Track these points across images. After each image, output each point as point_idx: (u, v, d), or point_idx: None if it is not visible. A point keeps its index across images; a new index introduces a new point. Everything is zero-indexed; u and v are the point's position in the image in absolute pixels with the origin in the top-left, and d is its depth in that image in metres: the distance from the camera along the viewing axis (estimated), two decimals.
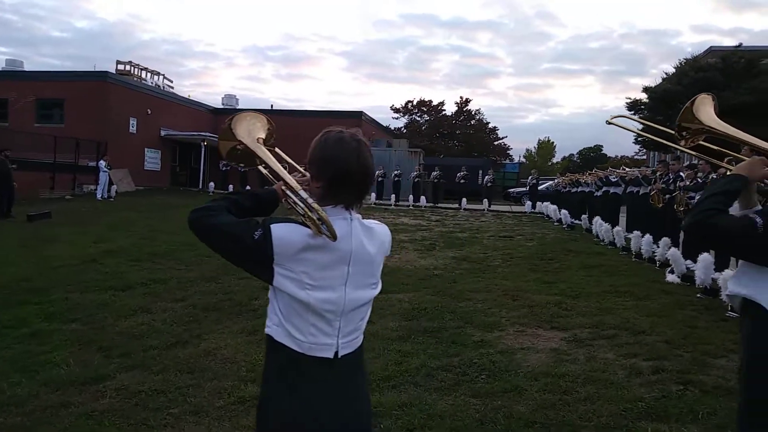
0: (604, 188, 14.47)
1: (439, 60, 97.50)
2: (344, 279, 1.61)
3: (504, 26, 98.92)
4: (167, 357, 4.83)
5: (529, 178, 25.79)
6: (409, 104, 63.12)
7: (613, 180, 13.68)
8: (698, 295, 6.43)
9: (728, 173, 1.92)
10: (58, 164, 21.07)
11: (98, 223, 13.93)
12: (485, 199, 23.05)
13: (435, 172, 25.79)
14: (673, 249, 7.35)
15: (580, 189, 17.55)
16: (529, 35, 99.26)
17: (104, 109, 23.85)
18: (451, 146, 58.32)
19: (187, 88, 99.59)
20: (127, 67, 29.30)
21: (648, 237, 8.91)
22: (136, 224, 14.02)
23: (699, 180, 8.05)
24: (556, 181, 24.82)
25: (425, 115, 62.71)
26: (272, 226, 1.56)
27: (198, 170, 28.22)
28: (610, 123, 2.35)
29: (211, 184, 26.30)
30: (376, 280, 1.71)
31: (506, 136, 63.88)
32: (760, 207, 1.85)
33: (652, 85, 34.40)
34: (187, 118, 29.70)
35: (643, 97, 34.87)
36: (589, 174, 17.07)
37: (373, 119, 35.57)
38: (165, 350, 5.01)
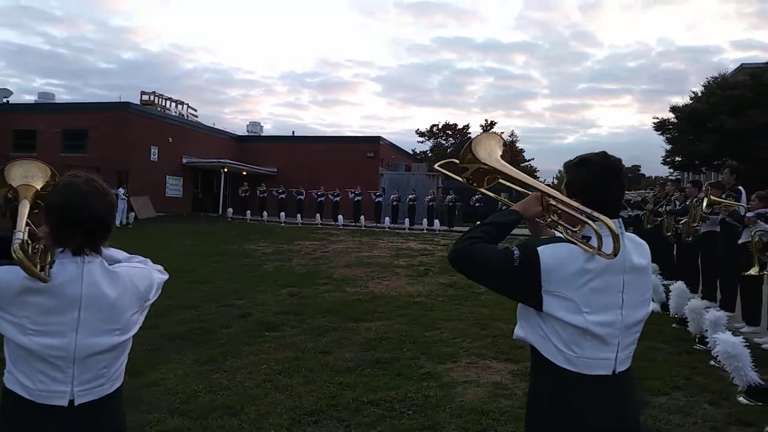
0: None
1: (474, 83, 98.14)
2: (75, 325, 1.58)
3: (539, 47, 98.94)
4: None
5: None
6: (434, 128, 63.47)
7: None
8: (673, 325, 6.18)
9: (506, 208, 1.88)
10: None
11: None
12: None
13: (450, 196, 25.65)
14: (653, 277, 7.09)
15: None
16: (565, 56, 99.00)
17: (126, 138, 24.64)
18: None
19: (228, 115, 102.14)
20: (151, 98, 30.29)
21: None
22: (142, 251, 14.26)
23: (686, 204, 7.79)
24: None
25: (450, 139, 62.87)
26: (539, 248, 1.61)
27: (219, 196, 28.76)
28: (437, 168, 2.30)
29: (230, 209, 26.73)
30: (119, 326, 1.68)
31: (533, 158, 63.12)
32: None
33: (682, 104, 33.67)
34: (210, 146, 30.41)
35: (671, 116, 34.13)
36: None
37: (392, 143, 35.75)
38: None
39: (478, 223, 1.87)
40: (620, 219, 1.67)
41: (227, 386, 4.79)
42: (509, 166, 1.90)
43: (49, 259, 1.57)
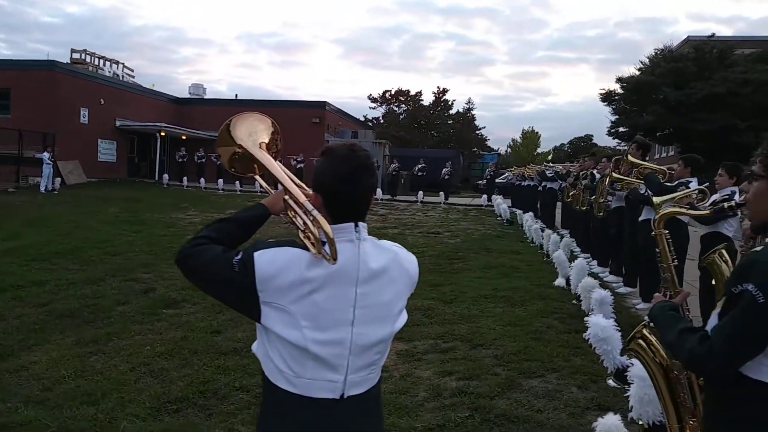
0: (543, 183, 14.27)
1: (434, 48, 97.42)
2: (351, 315, 1.42)
3: (500, 13, 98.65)
4: None
5: (487, 170, 25.57)
6: (387, 93, 62.65)
7: (549, 175, 13.46)
8: (573, 302, 6.22)
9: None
10: (1, 156, 20.53)
11: (21, 218, 13.52)
12: (441, 193, 22.79)
13: (393, 164, 25.48)
14: (558, 252, 7.14)
15: (526, 183, 17.35)
16: (525, 22, 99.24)
17: (52, 99, 23.25)
18: (429, 137, 57.78)
19: (181, 75, 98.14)
20: (83, 56, 28.64)
21: (554, 236, 8.70)
22: (59, 219, 13.60)
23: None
24: (509, 174, 24.64)
25: (403, 105, 62.29)
26: (256, 253, 1.40)
27: (156, 161, 27.72)
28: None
29: (165, 176, 25.83)
30: (396, 311, 1.53)
31: (484, 127, 63.38)
32: None
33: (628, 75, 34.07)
34: (147, 109, 29.12)
35: (618, 87, 34.58)
36: (527, 168, 16.86)
37: (339, 109, 35.14)
38: None
39: (219, 218, 1.65)
40: (362, 223, 1.47)
41: (100, 370, 4.53)
42: (266, 155, 1.67)
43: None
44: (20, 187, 20.76)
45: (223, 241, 1.52)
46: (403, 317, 1.57)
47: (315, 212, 1.40)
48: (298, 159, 25.67)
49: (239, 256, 1.41)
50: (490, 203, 20.93)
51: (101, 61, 29.78)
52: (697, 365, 1.50)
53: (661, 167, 6.08)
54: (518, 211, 14.33)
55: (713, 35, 34.12)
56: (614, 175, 6.17)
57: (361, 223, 1.47)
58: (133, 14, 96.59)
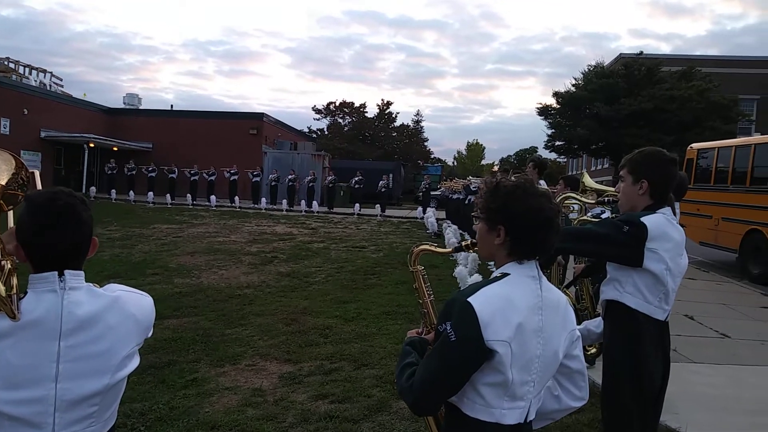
0: (469, 196, 14.48)
1: (385, 59, 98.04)
2: (53, 371, 1.34)
3: (449, 26, 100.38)
4: None
5: (422, 183, 25.80)
6: (332, 105, 62.58)
7: (473, 189, 13.67)
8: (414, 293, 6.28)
9: None
10: None
11: None
12: (377, 205, 22.83)
13: (330, 177, 25.37)
14: (459, 268, 7.23)
15: (455, 196, 17.58)
16: (474, 36, 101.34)
17: None
18: (373, 149, 57.92)
19: (125, 83, 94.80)
20: (6, 63, 27.31)
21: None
22: None
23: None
24: (442, 187, 24.97)
25: (347, 117, 62.32)
26: None
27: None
28: None
29: (93, 188, 24.87)
30: (116, 361, 1.43)
31: (428, 139, 64.13)
32: None
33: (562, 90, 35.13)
34: (75, 119, 27.95)
35: (554, 102, 35.59)
36: (452, 181, 17.10)
37: (279, 120, 34.76)
38: None
39: None
40: (72, 272, 1.41)
41: None
42: None
43: (15, 286, 1.35)
44: None
45: None
46: (133, 363, 1.49)
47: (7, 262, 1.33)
48: (232, 171, 25.18)
49: None
50: (424, 215, 21.11)
51: (26, 69, 28.47)
52: (403, 398, 1.58)
53: (546, 188, 6.23)
54: (445, 224, 14.49)
55: (641, 53, 35.67)
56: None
57: (69, 272, 1.40)
58: (73, 19, 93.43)
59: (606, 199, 2.99)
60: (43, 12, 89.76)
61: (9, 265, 1.40)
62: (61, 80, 31.57)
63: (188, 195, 24.07)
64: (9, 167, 1.66)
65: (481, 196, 1.64)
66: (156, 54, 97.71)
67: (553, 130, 36.35)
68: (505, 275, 1.54)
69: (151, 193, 23.62)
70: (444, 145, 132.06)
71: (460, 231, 14.10)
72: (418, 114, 65.42)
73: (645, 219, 2.27)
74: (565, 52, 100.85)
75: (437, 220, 17.30)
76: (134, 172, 25.77)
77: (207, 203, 23.31)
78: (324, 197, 25.34)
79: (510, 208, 1.54)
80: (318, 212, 22.90)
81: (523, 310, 1.49)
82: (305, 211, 22.94)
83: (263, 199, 23.82)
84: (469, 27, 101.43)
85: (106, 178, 25.98)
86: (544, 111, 36.33)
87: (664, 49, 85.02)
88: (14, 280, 1.38)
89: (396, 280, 8.76)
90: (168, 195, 23.87)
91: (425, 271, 1.96)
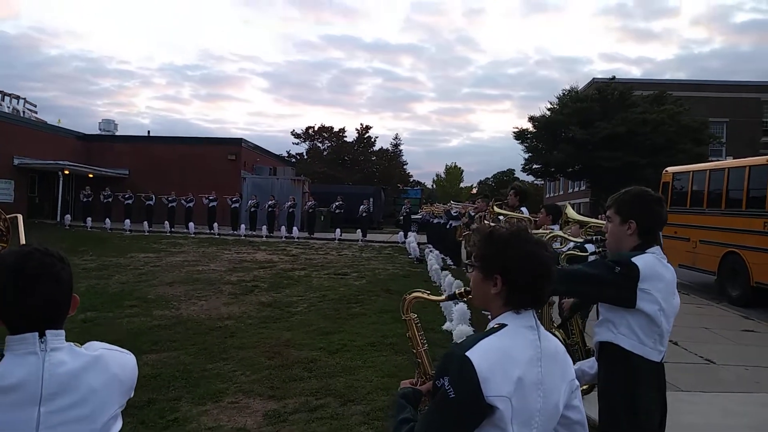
0: (450, 221, 14.53)
1: (362, 83, 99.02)
2: None
3: (425, 50, 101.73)
4: None
5: (403, 207, 25.84)
6: (310, 130, 62.70)
7: (454, 214, 13.74)
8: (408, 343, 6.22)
9: None
10: None
11: None
12: (359, 230, 22.77)
13: (310, 202, 25.27)
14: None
15: (436, 221, 17.64)
16: (450, 60, 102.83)
17: None
18: (353, 173, 57.98)
19: (100, 108, 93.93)
20: None
21: (449, 278, 8.78)
22: None
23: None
24: (423, 211, 25.05)
25: (326, 141, 62.46)
26: None
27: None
28: None
29: (68, 216, 24.41)
30: (100, 425, 1.35)
31: (407, 163, 64.53)
32: None
33: (537, 114, 35.71)
34: (50, 146, 27.53)
35: (530, 126, 36.12)
36: (432, 206, 17.16)
37: (257, 146, 34.66)
38: None
39: None
40: (54, 331, 1.35)
41: None
42: None
43: None
44: None
45: None
46: (116, 426, 1.42)
47: None
48: (210, 197, 24.94)
49: None
50: (405, 240, 21.08)
51: None
52: None
53: (528, 216, 6.27)
54: (427, 249, 14.49)
55: (614, 78, 36.51)
56: (485, 222, 6.29)
57: (50, 332, 1.33)
58: (47, 43, 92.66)
59: (595, 237, 2.98)
60: (15, 36, 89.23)
61: None
62: (35, 106, 31.13)
63: (166, 222, 23.75)
64: None
65: (474, 243, 1.61)
66: (132, 78, 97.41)
67: (530, 154, 36.83)
68: (502, 326, 1.50)
69: (127, 221, 23.25)
70: (423, 168, 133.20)
71: (442, 256, 14.11)
72: (396, 137, 65.71)
73: (636, 259, 2.26)
74: (539, 75, 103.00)
75: (419, 244, 17.29)
76: (110, 200, 25.32)
77: (185, 230, 22.97)
78: (304, 222, 25.21)
79: (506, 256, 1.51)
80: (298, 238, 22.74)
81: (522, 363, 1.45)
82: (285, 236, 22.77)
83: (242, 226, 23.60)
84: (445, 51, 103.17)
85: (82, 206, 25.53)
86: (520, 135, 36.81)
87: (635, 72, 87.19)
88: None
89: (380, 309, 8.67)
90: (145, 222, 23.53)
91: (418, 318, 1.91)
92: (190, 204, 24.76)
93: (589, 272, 2.40)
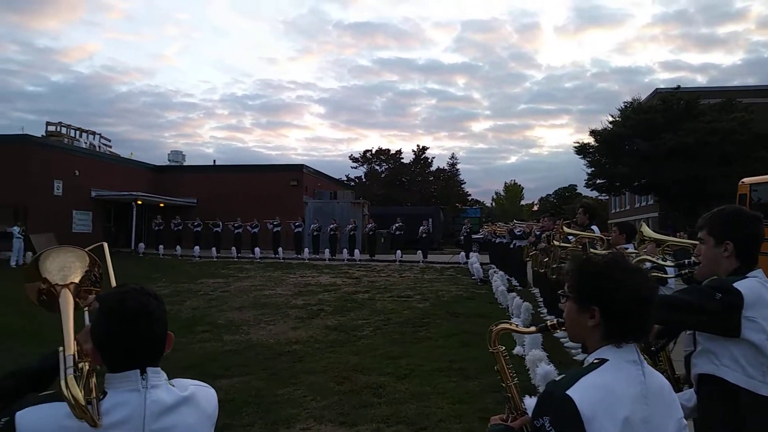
0: (514, 241, 14.26)
1: (417, 104, 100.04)
2: None
3: (479, 69, 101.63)
4: None
5: (463, 227, 25.58)
6: (368, 153, 63.52)
7: (518, 233, 13.48)
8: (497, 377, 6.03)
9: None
10: None
11: None
12: (419, 251, 22.70)
13: (370, 225, 25.44)
14: (513, 319, 7.00)
15: (498, 240, 17.35)
16: (505, 77, 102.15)
17: (24, 172, 23.21)
18: (411, 194, 58.09)
19: (168, 139, 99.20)
20: (58, 128, 28.84)
21: (517, 300, 8.57)
22: (23, 297, 13.24)
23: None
24: (484, 231, 24.69)
25: (384, 164, 63.02)
26: (18, 414, 1.28)
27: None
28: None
29: (141, 244, 25.56)
30: None
31: (465, 182, 64.04)
32: None
33: (599, 128, 34.80)
34: (123, 178, 29.14)
35: (592, 140, 35.23)
36: (494, 225, 16.88)
37: (318, 171, 35.40)
38: None
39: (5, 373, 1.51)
40: (153, 369, 1.38)
41: None
42: (69, 297, 1.56)
43: (93, 387, 1.35)
44: None
45: (6, 397, 1.39)
46: None
47: (69, 370, 1.30)
48: (274, 223, 25.57)
49: (6, 418, 1.28)
50: (467, 260, 20.83)
51: (77, 132, 29.97)
52: None
53: (600, 235, 6.04)
54: (491, 270, 14.24)
55: (679, 87, 35.16)
56: (555, 243, 6.11)
57: (150, 369, 1.36)
58: (117, 81, 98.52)
59: (687, 261, 2.81)
60: (89, 75, 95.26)
61: (87, 366, 1.37)
62: (110, 141, 33.10)
63: (233, 248, 24.51)
64: (83, 264, 1.67)
65: (568, 273, 1.53)
66: (196, 110, 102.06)
67: (593, 169, 35.83)
68: (603, 361, 1.42)
69: (197, 248, 24.16)
70: (481, 187, 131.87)
71: (507, 277, 13.83)
72: (453, 157, 65.42)
73: (738, 285, 2.09)
74: (597, 88, 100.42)
75: (481, 264, 17.04)
76: (180, 227, 26.44)
77: (251, 255, 23.63)
78: (365, 245, 25.38)
79: (603, 287, 1.43)
80: (360, 260, 22.90)
81: (627, 401, 1.36)
82: (347, 259, 22.99)
83: (306, 249, 24.03)
84: (498, 68, 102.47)
85: (154, 234, 26.72)
86: (582, 149, 35.93)
87: (700, 80, 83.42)
88: (93, 382, 1.36)
89: (446, 333, 8.56)
90: (213, 249, 24.38)
91: (506, 350, 1.84)
92: (255, 230, 25.46)
93: (687, 299, 2.23)
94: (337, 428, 4.94)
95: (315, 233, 25.56)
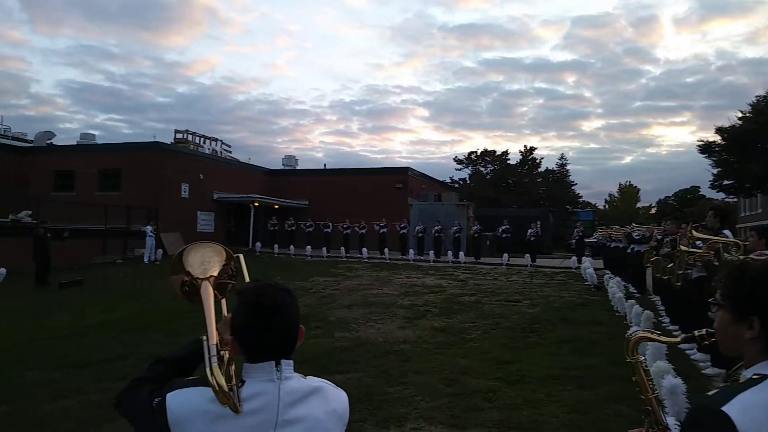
0: (632, 245, 13.46)
1: (523, 104, 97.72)
2: None
3: (590, 66, 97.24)
4: None
5: (575, 230, 24.49)
6: (473, 155, 62.91)
7: (636, 237, 12.70)
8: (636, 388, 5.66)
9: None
10: (110, 230, 22.50)
11: (120, 289, 14.58)
12: (527, 255, 22.08)
13: (475, 227, 25.11)
14: (634, 328, 6.58)
15: (614, 245, 16.44)
16: (618, 73, 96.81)
17: (157, 176, 25.42)
18: (518, 196, 56.72)
19: (280, 145, 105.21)
20: (185, 136, 31.27)
21: (637, 308, 8.07)
22: (155, 290, 14.50)
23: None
24: (598, 234, 23.45)
25: (489, 165, 62.08)
26: (169, 395, 1.40)
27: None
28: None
29: (258, 243, 27.04)
30: None
31: (576, 183, 61.44)
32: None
33: (726, 124, 32.16)
34: (242, 181, 31.05)
35: (718, 138, 32.64)
36: (609, 228, 15.96)
37: (422, 173, 35.58)
38: None
39: (156, 358, 1.63)
40: (286, 361, 1.44)
41: None
42: (209, 289, 1.65)
43: (233, 375, 1.42)
44: (127, 258, 22.51)
45: (157, 380, 1.50)
46: None
47: (214, 358, 1.39)
48: (381, 224, 26.08)
49: (158, 398, 1.40)
50: (579, 265, 19.93)
51: (201, 139, 32.34)
52: None
53: (734, 239, 5.51)
54: (606, 275, 13.52)
55: None
56: (682, 248, 5.66)
57: (284, 361, 1.43)
58: (235, 90, 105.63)
59: None
60: (210, 86, 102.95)
61: (227, 355, 1.46)
62: (230, 147, 35.31)
63: (342, 248, 25.31)
64: (220, 258, 1.76)
65: (721, 279, 1.41)
66: (306, 116, 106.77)
67: (719, 169, 33.10)
68: (763, 377, 1.27)
69: (308, 247, 25.21)
70: (592, 188, 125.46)
71: (624, 283, 13.09)
72: (562, 157, 62.82)
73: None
74: (723, 82, 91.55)
75: (595, 270, 16.24)
76: (293, 228, 27.73)
77: (359, 255, 24.27)
78: (470, 247, 25.11)
79: (764, 295, 1.30)
80: (465, 263, 22.69)
81: None
82: (452, 261, 22.87)
83: (411, 251, 24.23)
84: (611, 65, 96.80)
85: (269, 234, 28.18)
86: (706, 148, 33.35)
87: None
88: (232, 370, 1.44)
89: (558, 339, 8.26)
90: (324, 248, 25.32)
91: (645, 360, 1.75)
92: (363, 231, 26.11)
93: None
94: (448, 430, 4.92)
95: (420, 235, 25.70)
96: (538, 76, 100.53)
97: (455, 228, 25.04)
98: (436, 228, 25.14)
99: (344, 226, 26.65)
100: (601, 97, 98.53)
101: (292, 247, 25.92)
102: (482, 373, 6.69)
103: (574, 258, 21.15)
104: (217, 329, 1.52)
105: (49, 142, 30.12)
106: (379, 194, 30.59)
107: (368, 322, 10.19)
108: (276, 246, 26.14)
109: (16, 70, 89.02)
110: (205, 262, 1.71)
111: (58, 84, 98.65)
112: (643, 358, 1.63)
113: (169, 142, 29.51)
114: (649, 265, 8.25)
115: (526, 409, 5.28)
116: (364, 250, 24.40)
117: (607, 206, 74.46)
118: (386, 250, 24.31)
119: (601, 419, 4.86)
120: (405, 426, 5.07)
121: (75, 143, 30.95)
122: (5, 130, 30.58)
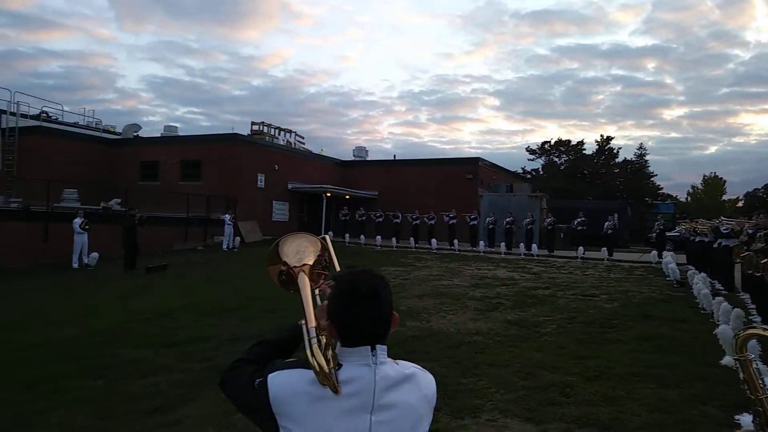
0: (719, 240, 12.72)
1: (599, 92, 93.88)
2: None
3: (672, 51, 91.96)
4: (141, 422, 5.14)
5: (656, 223, 23.34)
6: (546, 144, 61.23)
7: (724, 231, 11.98)
8: (742, 386, 5.36)
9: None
10: (191, 218, 23.61)
11: (200, 275, 15.30)
12: (604, 248, 21.31)
13: (548, 219, 24.47)
14: (722, 326, 6.22)
15: (699, 239, 15.58)
16: (703, 58, 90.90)
17: (234, 167, 26.38)
18: (593, 187, 54.72)
19: (350, 136, 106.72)
20: (261, 128, 32.23)
21: (725, 305, 7.64)
22: (233, 275, 15.14)
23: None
24: (681, 228, 22.24)
25: (563, 156, 60.24)
26: (270, 376, 1.46)
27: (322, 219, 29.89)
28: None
29: (330, 232, 27.55)
30: None
31: (656, 174, 58.57)
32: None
33: None
34: (315, 172, 31.73)
35: None
36: (694, 222, 15.08)
37: (493, 163, 34.97)
38: (146, 415, 5.32)
39: (257, 341, 1.70)
40: (381, 346, 1.46)
41: (242, 429, 4.84)
42: (305, 278, 1.70)
43: (332, 358, 1.45)
44: (207, 245, 23.58)
45: (258, 362, 1.57)
46: None
47: (314, 340, 1.43)
48: (451, 215, 25.94)
49: (260, 379, 1.46)
50: (660, 260, 19.02)
51: (276, 130, 33.23)
52: None
53: None
54: (690, 271, 12.83)
55: None
56: None
57: (379, 346, 1.46)
58: (307, 83, 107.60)
59: None
60: (283, 79, 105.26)
61: (324, 340, 1.50)
62: (303, 138, 36.09)
63: (411, 238, 25.38)
64: (315, 249, 1.81)
65: None
66: (376, 108, 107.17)
67: None
68: None
69: (378, 237, 25.47)
70: (673, 180, 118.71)
71: (710, 279, 12.40)
72: (641, 147, 59.93)
73: None
74: None
75: (678, 265, 15.47)
76: (364, 218, 28.10)
77: (428, 246, 24.26)
78: (543, 240, 24.52)
79: None
80: (538, 255, 22.20)
81: None
82: (524, 254, 22.43)
83: (481, 242, 23.95)
84: (695, 50, 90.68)
85: (341, 224, 28.69)
86: None
87: None
88: (330, 354, 1.48)
89: (639, 336, 7.95)
90: (393, 238, 25.50)
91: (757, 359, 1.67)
92: (432, 221, 26.07)
93: None
94: (524, 423, 4.87)
95: (491, 226, 25.36)
96: (616, 63, 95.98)
97: (528, 220, 24.51)
98: (507, 220, 24.70)
99: (413, 216, 26.70)
100: (683, 84, 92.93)
101: (362, 236, 26.28)
102: (558, 367, 6.56)
103: (655, 252, 20.21)
104: (314, 315, 1.56)
105: (135, 134, 31.87)
106: (449, 185, 30.43)
107: (439, 312, 10.19)
108: (347, 235, 26.57)
109: (104, 66, 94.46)
110: (300, 251, 1.76)
111: (142, 79, 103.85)
112: (752, 355, 1.56)
113: (245, 134, 30.49)
114: (739, 260, 7.76)
115: (605, 406, 5.14)
116: (434, 241, 24.35)
117: (689, 199, 70.52)
118: (456, 241, 24.16)
119: (687, 420, 4.66)
120: (480, 417, 5.05)
121: (159, 135, 32.60)
122: (96, 123, 32.58)
